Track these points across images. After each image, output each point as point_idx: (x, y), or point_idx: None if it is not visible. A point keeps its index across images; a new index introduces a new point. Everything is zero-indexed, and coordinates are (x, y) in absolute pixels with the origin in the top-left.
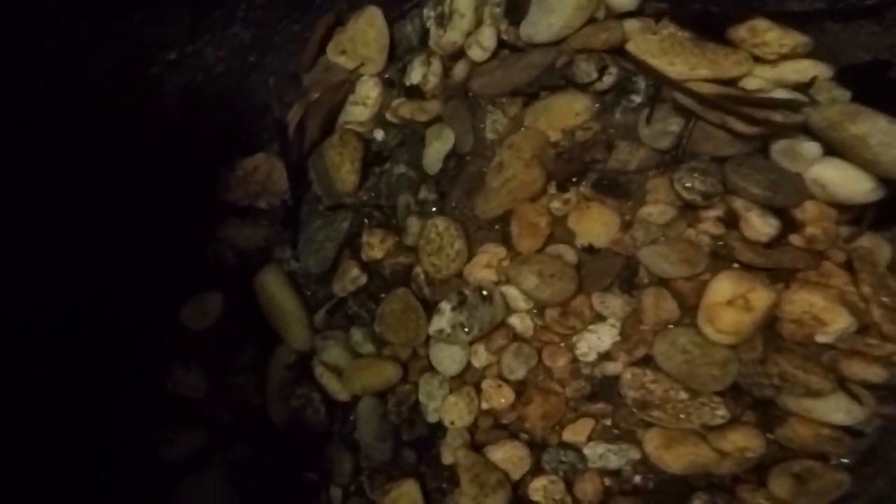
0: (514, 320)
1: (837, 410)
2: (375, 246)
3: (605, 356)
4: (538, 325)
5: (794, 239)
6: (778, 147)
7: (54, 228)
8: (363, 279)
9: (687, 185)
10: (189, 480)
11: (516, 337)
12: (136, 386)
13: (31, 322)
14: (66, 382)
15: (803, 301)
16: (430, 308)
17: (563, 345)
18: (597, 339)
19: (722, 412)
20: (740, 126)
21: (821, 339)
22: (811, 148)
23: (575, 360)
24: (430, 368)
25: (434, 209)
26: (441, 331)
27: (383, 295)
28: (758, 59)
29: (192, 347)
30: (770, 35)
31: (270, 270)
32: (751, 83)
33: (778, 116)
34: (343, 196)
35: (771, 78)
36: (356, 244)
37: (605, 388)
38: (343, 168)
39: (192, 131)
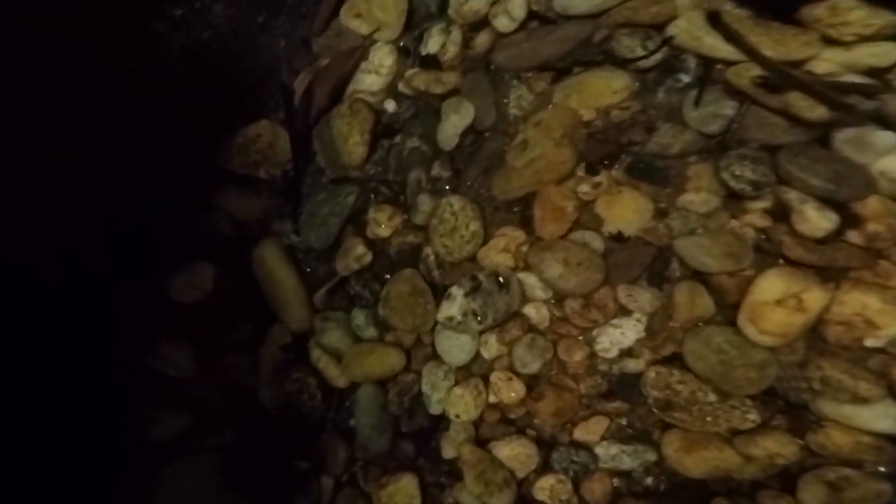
0: (530, 310)
1: (885, 418)
2: (382, 223)
3: (627, 353)
4: (555, 317)
5: (851, 235)
6: (843, 136)
7: (40, 190)
8: (368, 258)
9: (736, 173)
10: (176, 467)
11: (531, 328)
12: (120, 362)
13: (12, 289)
14: (44, 357)
15: (856, 302)
16: (439, 292)
17: (581, 338)
18: (620, 335)
19: (753, 416)
20: (814, 112)
21: (871, 343)
22: (886, 137)
23: (593, 355)
24: (435, 357)
25: (447, 187)
26: (451, 318)
27: (388, 276)
28: (828, 41)
29: (181, 322)
30: (855, 14)
31: (269, 244)
32: (819, 66)
33: (851, 102)
34: (349, 169)
35: (842, 61)
36: (361, 220)
37: (624, 386)
38: (351, 139)
39: (195, 93)
